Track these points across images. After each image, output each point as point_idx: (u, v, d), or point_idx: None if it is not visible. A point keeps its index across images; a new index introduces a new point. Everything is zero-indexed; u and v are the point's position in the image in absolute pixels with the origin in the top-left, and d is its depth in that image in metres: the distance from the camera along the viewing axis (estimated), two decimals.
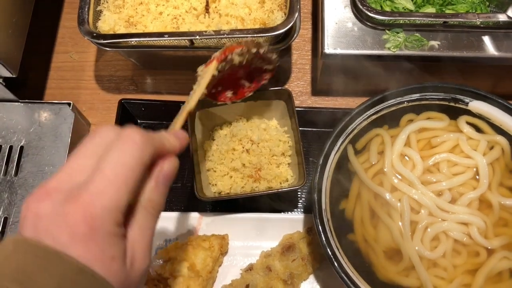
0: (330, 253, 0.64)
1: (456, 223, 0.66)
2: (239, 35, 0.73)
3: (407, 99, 0.73)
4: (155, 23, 0.82)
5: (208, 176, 0.80)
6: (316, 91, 0.94)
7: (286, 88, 0.81)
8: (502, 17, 0.75)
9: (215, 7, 0.82)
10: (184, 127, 0.56)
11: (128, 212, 0.43)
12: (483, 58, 0.77)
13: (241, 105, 0.83)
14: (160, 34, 0.75)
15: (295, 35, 0.79)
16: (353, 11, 0.79)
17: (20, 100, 0.86)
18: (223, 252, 0.77)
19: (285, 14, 0.77)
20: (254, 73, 0.74)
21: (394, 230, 0.66)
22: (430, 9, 0.81)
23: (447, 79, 0.74)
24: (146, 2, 0.83)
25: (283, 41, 0.80)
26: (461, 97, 0.72)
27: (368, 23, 0.78)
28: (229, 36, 0.74)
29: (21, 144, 0.83)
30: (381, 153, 0.71)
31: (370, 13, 0.76)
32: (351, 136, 0.72)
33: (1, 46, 0.76)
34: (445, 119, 0.72)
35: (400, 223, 0.66)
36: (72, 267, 0.37)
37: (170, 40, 0.76)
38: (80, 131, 0.87)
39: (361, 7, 0.77)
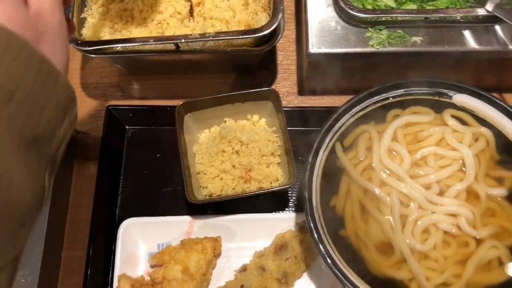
0: (323, 250, 0.65)
1: (445, 215, 0.67)
2: (224, 38, 0.74)
3: (392, 95, 0.74)
4: (140, 28, 0.82)
5: (199, 179, 0.80)
6: (302, 90, 0.95)
7: (273, 88, 0.82)
8: (481, 11, 0.77)
9: (199, 10, 0.82)
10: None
11: None
12: (464, 52, 0.78)
13: (229, 107, 0.83)
14: (145, 39, 0.75)
15: (280, 35, 0.80)
16: (336, 10, 0.80)
17: None
18: (216, 254, 0.77)
19: (269, 15, 0.78)
20: None
21: (385, 224, 0.67)
22: (412, 6, 0.82)
23: (430, 74, 0.75)
24: (130, 9, 0.83)
25: (268, 42, 0.81)
26: (445, 91, 0.74)
27: (351, 22, 0.79)
28: (214, 38, 0.74)
29: None
30: (369, 149, 0.72)
31: (353, 11, 0.77)
32: (338, 133, 0.73)
33: None
34: (431, 113, 0.74)
35: (390, 217, 0.67)
36: None
37: (155, 44, 0.76)
38: None
39: (343, 5, 0.78)
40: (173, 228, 0.79)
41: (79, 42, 0.76)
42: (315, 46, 0.79)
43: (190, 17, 0.82)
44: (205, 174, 0.80)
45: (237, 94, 0.82)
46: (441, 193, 0.68)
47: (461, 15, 0.78)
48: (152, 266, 0.77)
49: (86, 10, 0.82)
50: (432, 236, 0.66)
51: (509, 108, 0.71)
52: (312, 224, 0.66)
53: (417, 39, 0.78)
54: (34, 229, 0.42)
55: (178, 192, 0.84)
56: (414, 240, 0.66)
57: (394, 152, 0.71)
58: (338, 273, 0.63)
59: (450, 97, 0.73)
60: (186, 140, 0.81)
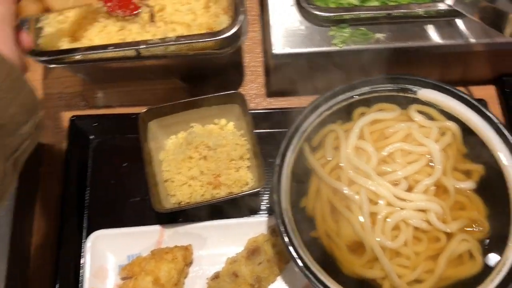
0: (293, 252, 0.64)
1: (414, 211, 0.66)
2: (185, 42, 0.73)
3: (357, 93, 0.73)
4: (100, 35, 0.80)
5: (166, 187, 0.78)
6: (270, 92, 0.94)
7: (239, 91, 0.81)
8: (442, 6, 0.77)
9: (161, 15, 0.81)
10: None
11: None
12: (427, 47, 0.79)
13: (196, 112, 0.82)
14: (105, 47, 0.74)
15: (243, 37, 0.79)
16: (299, 10, 0.80)
17: None
18: (188, 262, 0.75)
19: (231, 18, 0.77)
20: None
21: (355, 223, 0.66)
22: (374, 3, 0.82)
23: (396, 71, 0.75)
24: (90, 17, 0.81)
25: (232, 44, 0.80)
26: (410, 86, 0.74)
27: (315, 21, 0.79)
28: (175, 43, 0.73)
29: None
30: (336, 148, 0.72)
31: (315, 11, 0.77)
32: (306, 134, 0.72)
33: None
34: (396, 110, 0.74)
35: (360, 216, 0.67)
36: None
37: (115, 51, 0.74)
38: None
39: (305, 5, 0.77)
40: (143, 239, 0.77)
41: (36, 52, 0.74)
42: (279, 47, 0.78)
43: (152, 22, 0.81)
44: (173, 181, 0.78)
45: (203, 98, 0.80)
46: (409, 189, 0.68)
47: (423, 10, 0.78)
48: (122, 279, 0.75)
49: (43, 20, 0.80)
50: (403, 233, 0.66)
51: (473, 101, 0.71)
52: (281, 227, 0.65)
53: (381, 36, 0.78)
54: None
55: (147, 202, 0.81)
56: (385, 237, 0.65)
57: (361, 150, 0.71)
58: (310, 275, 0.63)
59: (415, 92, 0.73)
60: (152, 147, 0.79)
